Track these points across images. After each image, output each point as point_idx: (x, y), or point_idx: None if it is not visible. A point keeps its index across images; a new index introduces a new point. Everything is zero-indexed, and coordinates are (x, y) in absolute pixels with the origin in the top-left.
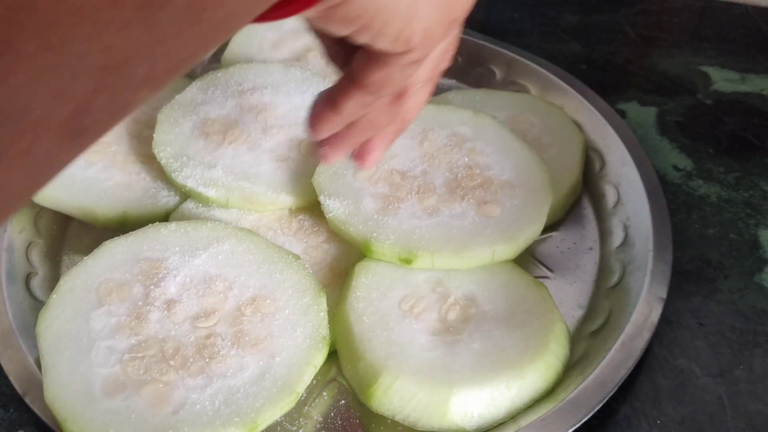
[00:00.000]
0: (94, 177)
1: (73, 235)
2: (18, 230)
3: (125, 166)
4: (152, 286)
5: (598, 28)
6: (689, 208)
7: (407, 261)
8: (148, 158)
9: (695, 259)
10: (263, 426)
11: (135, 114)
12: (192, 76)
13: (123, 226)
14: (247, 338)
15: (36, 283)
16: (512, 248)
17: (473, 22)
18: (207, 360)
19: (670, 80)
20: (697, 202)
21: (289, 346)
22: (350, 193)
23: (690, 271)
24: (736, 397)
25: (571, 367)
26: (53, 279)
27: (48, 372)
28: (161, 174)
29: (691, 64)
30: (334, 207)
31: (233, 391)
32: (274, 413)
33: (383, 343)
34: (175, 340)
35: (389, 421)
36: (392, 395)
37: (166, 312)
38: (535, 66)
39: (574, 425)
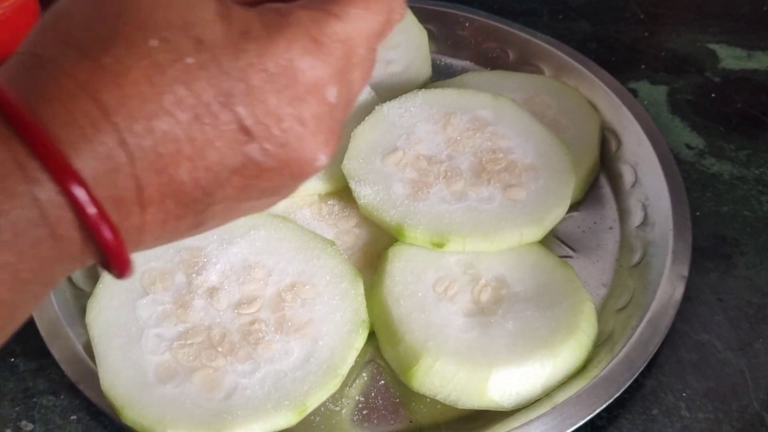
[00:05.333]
0: None
1: None
2: None
3: None
4: (194, 275)
5: (605, 6)
6: (703, 186)
7: (439, 245)
8: None
9: (711, 236)
10: (312, 408)
11: None
12: None
13: None
14: (289, 323)
15: (76, 272)
16: (539, 230)
17: (485, 2)
18: (253, 346)
19: (678, 58)
20: (710, 180)
21: (331, 330)
22: (380, 179)
23: (707, 248)
24: (756, 369)
25: (599, 344)
26: (91, 267)
27: (102, 361)
28: None
29: (698, 41)
30: (365, 193)
31: (281, 376)
32: (321, 395)
33: (422, 326)
34: (220, 326)
35: (428, 399)
36: (433, 376)
37: (209, 299)
38: (548, 47)
39: (608, 401)
